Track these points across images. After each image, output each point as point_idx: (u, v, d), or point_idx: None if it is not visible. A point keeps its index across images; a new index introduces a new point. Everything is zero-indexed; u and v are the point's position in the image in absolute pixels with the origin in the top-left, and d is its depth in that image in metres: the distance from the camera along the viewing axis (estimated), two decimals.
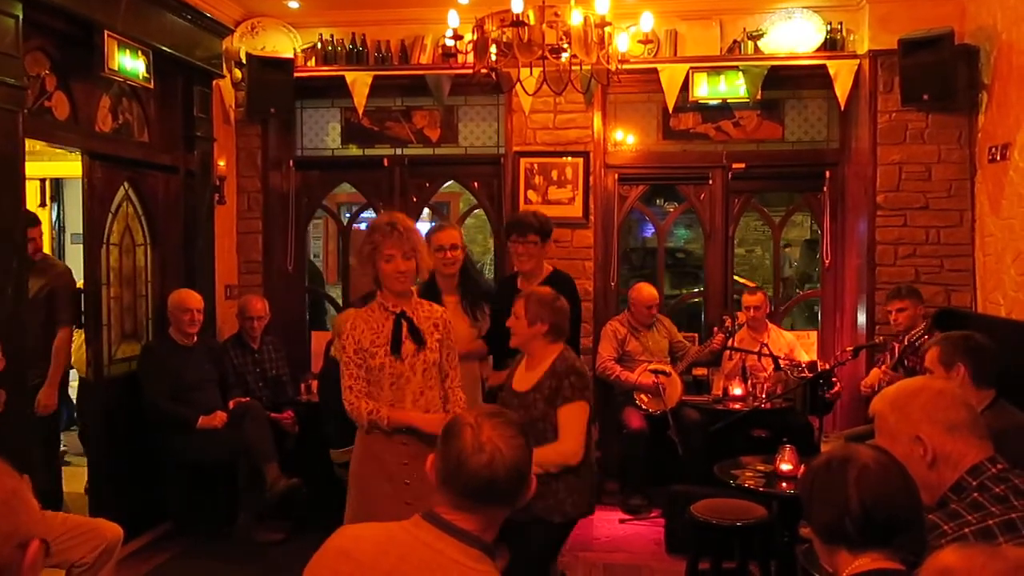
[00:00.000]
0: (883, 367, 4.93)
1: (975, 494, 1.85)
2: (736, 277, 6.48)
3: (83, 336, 4.84)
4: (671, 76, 5.53)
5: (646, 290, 5.64)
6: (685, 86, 5.54)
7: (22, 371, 3.78)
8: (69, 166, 5.17)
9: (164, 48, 4.77)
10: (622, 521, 5.26)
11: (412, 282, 3.28)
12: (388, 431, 3.16)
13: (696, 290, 7.37)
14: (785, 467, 3.85)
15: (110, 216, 4.79)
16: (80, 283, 4.82)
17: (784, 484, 3.79)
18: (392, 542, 1.61)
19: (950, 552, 0.97)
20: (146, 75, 4.63)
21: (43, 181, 6.48)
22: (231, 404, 4.92)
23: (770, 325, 5.70)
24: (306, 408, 5.26)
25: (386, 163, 6.17)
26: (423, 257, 3.25)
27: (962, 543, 1.64)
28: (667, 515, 4.82)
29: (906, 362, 4.70)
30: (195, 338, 4.97)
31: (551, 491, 3.09)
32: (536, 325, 3.21)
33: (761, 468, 3.99)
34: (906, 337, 4.81)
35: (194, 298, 4.95)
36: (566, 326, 3.29)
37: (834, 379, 5.16)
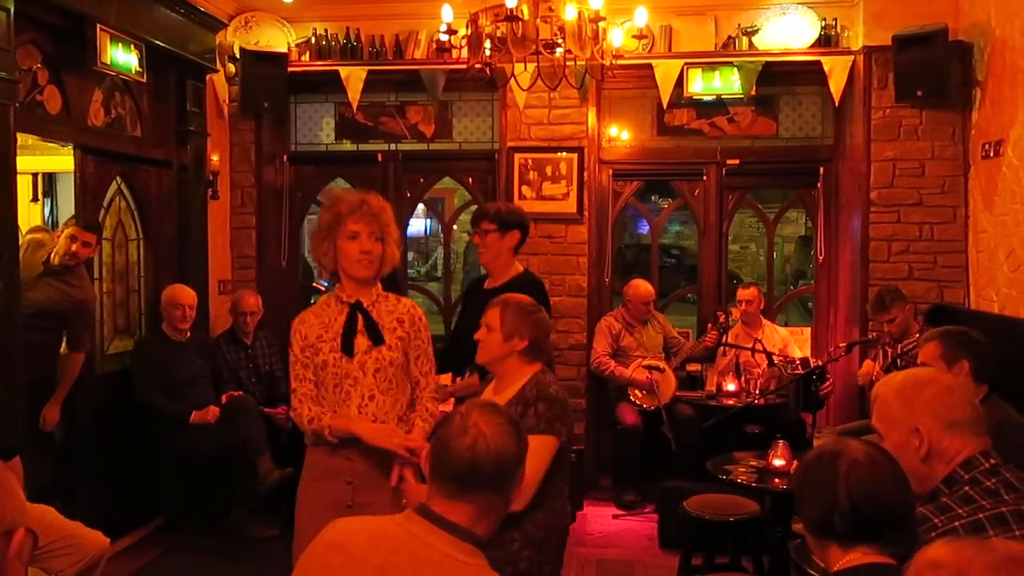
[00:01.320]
0: (877, 362, 4.94)
1: (966, 488, 1.85)
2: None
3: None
4: (665, 72, 5.53)
5: (642, 286, 5.65)
6: (679, 82, 5.53)
7: (15, 369, 3.77)
8: (62, 160, 5.14)
9: (157, 42, 4.75)
10: (615, 517, 5.27)
11: (376, 270, 2.77)
12: (331, 443, 2.69)
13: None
14: (778, 463, 3.86)
15: (103, 211, 4.77)
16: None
17: (777, 480, 3.81)
18: (384, 536, 1.61)
19: (940, 546, 0.97)
20: (139, 69, 4.62)
21: (35, 176, 6.44)
22: (224, 399, 4.91)
23: (764, 321, 5.71)
24: None
25: (380, 158, 6.16)
26: (392, 246, 2.78)
27: (952, 537, 1.65)
28: (660, 511, 4.83)
29: (899, 363, 4.69)
30: (188, 334, 4.96)
31: (504, 539, 2.36)
32: (513, 340, 2.61)
33: (754, 464, 4.00)
34: (900, 346, 4.78)
35: (187, 293, 4.93)
36: (547, 344, 2.74)
37: (828, 375, 5.16)
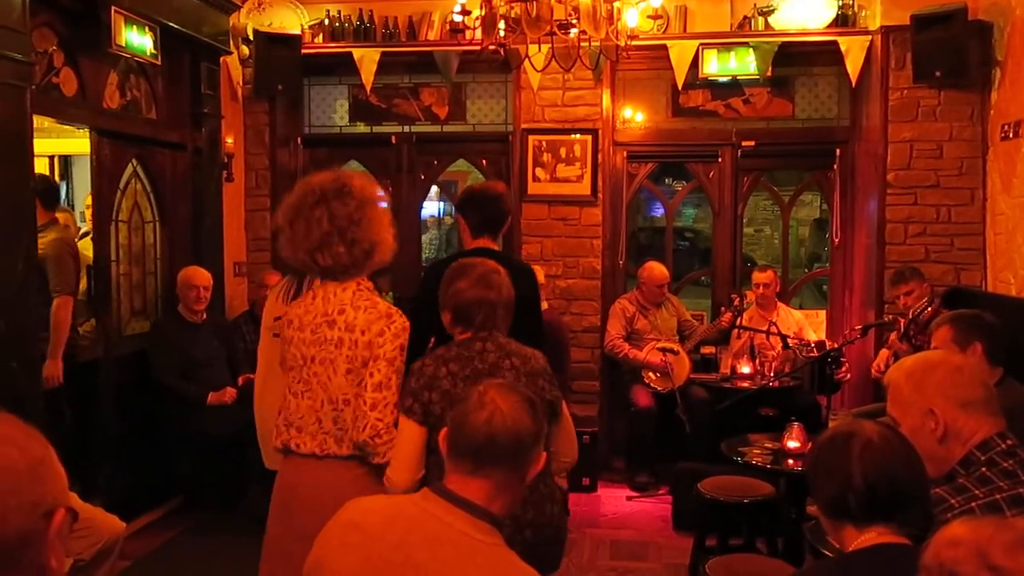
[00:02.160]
0: (892, 346, 4.92)
1: (983, 468, 1.84)
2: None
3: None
4: (681, 52, 5.49)
5: (657, 269, 5.64)
6: (695, 63, 5.49)
7: (33, 346, 3.81)
8: (78, 143, 5.17)
9: (171, 24, 4.75)
10: (629, 498, 5.28)
11: None
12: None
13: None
14: (792, 444, 3.86)
15: (119, 193, 4.80)
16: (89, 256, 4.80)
17: (791, 461, 3.80)
18: (400, 515, 1.62)
19: (958, 524, 0.97)
20: (153, 51, 4.62)
21: (52, 158, 6.48)
22: (240, 381, 4.95)
23: (779, 304, 5.69)
24: None
25: (394, 140, 6.16)
26: None
27: (970, 516, 1.65)
28: (674, 492, 4.83)
29: (913, 338, 4.68)
30: (204, 315, 4.99)
31: None
32: (444, 314, 2.43)
33: (768, 446, 4.00)
34: (911, 312, 4.79)
35: (201, 275, 4.96)
36: (479, 313, 2.37)
37: (843, 359, 5.14)
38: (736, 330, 5.57)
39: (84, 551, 3.26)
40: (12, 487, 1.02)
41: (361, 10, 5.84)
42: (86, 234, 5.06)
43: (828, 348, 4.97)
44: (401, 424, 2.29)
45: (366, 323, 2.37)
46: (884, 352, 4.99)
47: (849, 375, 5.39)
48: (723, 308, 5.63)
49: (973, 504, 1.78)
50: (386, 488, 2.26)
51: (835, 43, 5.40)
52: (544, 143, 5.71)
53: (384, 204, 2.57)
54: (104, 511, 3.42)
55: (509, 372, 2.32)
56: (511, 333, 2.47)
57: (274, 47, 5.70)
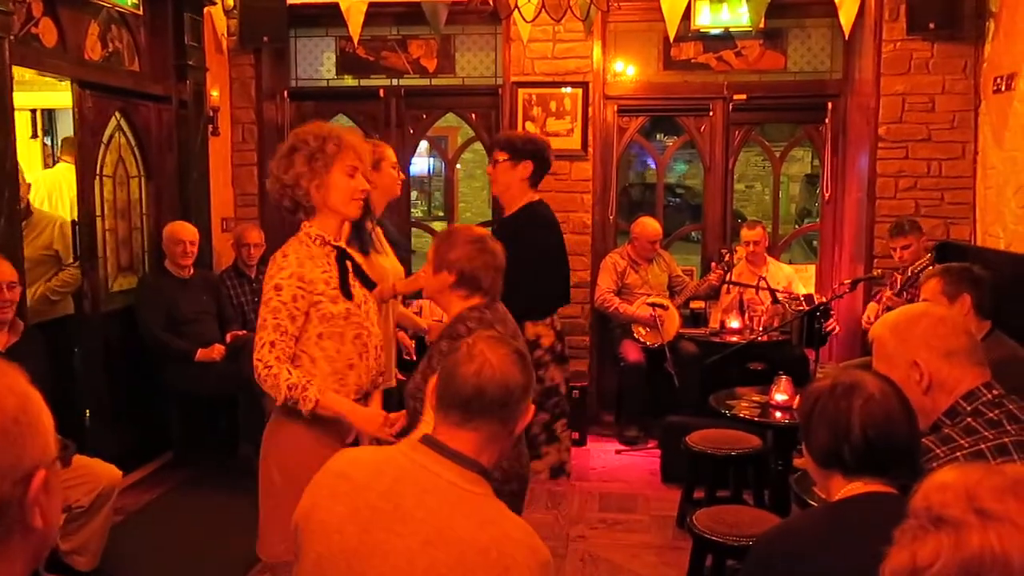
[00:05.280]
0: (881, 300, 4.94)
1: (969, 419, 1.86)
2: None
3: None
4: (672, 4, 5.40)
5: (650, 225, 5.62)
6: (687, 14, 5.40)
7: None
8: (60, 97, 5.08)
9: None
10: (618, 452, 5.33)
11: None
12: (306, 417, 2.38)
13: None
14: (780, 397, 3.88)
15: (102, 147, 4.73)
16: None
17: (779, 414, 3.83)
18: (389, 464, 1.62)
19: (948, 470, 0.97)
20: (135, 1, 4.53)
21: (34, 112, 6.38)
22: (228, 338, 4.93)
23: (769, 259, 5.69)
24: None
25: (382, 94, 6.07)
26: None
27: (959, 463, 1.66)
28: (662, 446, 4.87)
29: (906, 294, 4.70)
30: (191, 270, 4.96)
31: None
32: (441, 274, 2.44)
33: (756, 399, 4.02)
34: (910, 268, 4.80)
35: (188, 230, 4.91)
36: (487, 277, 2.45)
37: (832, 313, 5.16)
38: (726, 285, 5.57)
39: (82, 498, 3.35)
40: None
41: None
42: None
43: (817, 302, 4.98)
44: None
45: (268, 271, 2.42)
46: (873, 305, 5.01)
47: (838, 328, 5.41)
48: (713, 264, 5.63)
49: (959, 454, 1.80)
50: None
51: None
52: (534, 96, 5.65)
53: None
54: (102, 461, 3.51)
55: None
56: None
57: None
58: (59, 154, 5.02)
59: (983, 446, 1.80)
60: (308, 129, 2.46)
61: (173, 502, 4.55)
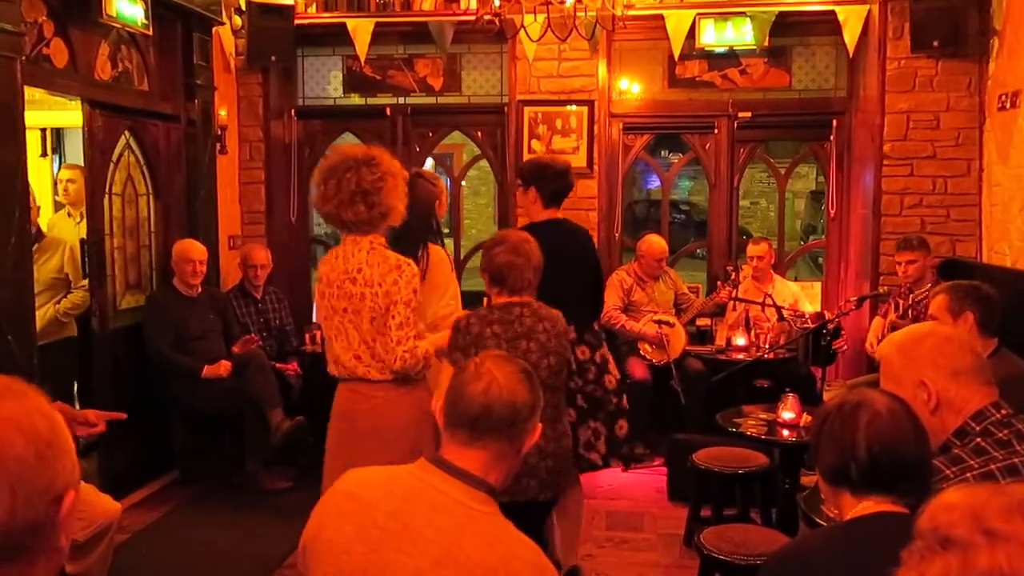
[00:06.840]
0: (886, 318, 4.92)
1: (978, 439, 1.85)
2: None
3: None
4: (677, 22, 5.45)
5: (657, 243, 5.63)
6: (691, 33, 5.45)
7: (29, 326, 3.80)
8: (70, 116, 5.12)
9: None
10: (625, 469, 5.31)
11: None
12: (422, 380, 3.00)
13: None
14: (787, 415, 3.86)
15: (112, 166, 4.75)
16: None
17: (786, 432, 3.81)
18: (397, 484, 1.63)
19: (954, 490, 0.97)
20: (145, 22, 4.57)
21: (44, 131, 6.43)
22: (235, 349, 4.93)
23: (774, 276, 5.69)
24: (310, 358, 5.28)
25: (388, 112, 6.11)
26: None
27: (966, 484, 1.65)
28: (669, 463, 4.85)
29: (911, 314, 4.69)
30: (199, 288, 4.97)
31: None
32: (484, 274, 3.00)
33: (763, 416, 4.01)
34: (911, 296, 4.78)
35: (197, 249, 4.94)
36: (512, 275, 2.93)
37: (841, 331, 5.14)
38: (732, 302, 5.57)
39: (79, 532, 3.13)
40: (19, 479, 0.92)
41: None
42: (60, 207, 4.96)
43: (824, 319, 4.97)
44: (444, 374, 2.78)
45: (380, 277, 2.83)
46: (877, 322, 4.99)
47: (847, 346, 5.39)
48: (719, 283, 5.62)
49: (968, 475, 1.79)
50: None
51: (833, 12, 5.36)
52: (540, 114, 5.68)
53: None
54: (99, 491, 3.32)
55: (542, 335, 2.85)
56: (582, 286, 3.50)
57: (267, 17, 5.63)
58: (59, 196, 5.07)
59: (993, 467, 1.79)
60: (391, 158, 2.95)
61: (179, 519, 4.54)
